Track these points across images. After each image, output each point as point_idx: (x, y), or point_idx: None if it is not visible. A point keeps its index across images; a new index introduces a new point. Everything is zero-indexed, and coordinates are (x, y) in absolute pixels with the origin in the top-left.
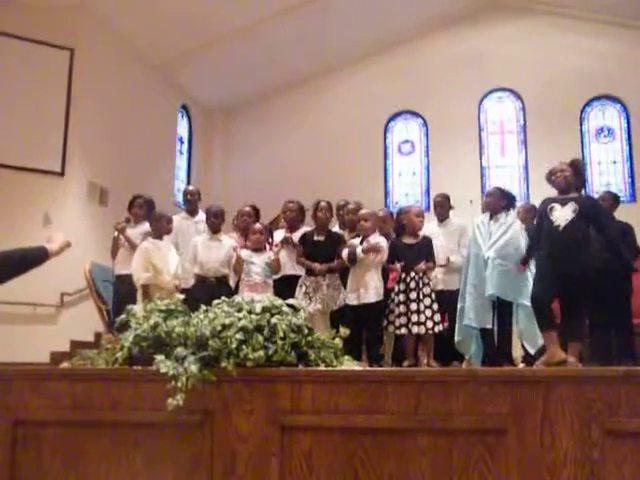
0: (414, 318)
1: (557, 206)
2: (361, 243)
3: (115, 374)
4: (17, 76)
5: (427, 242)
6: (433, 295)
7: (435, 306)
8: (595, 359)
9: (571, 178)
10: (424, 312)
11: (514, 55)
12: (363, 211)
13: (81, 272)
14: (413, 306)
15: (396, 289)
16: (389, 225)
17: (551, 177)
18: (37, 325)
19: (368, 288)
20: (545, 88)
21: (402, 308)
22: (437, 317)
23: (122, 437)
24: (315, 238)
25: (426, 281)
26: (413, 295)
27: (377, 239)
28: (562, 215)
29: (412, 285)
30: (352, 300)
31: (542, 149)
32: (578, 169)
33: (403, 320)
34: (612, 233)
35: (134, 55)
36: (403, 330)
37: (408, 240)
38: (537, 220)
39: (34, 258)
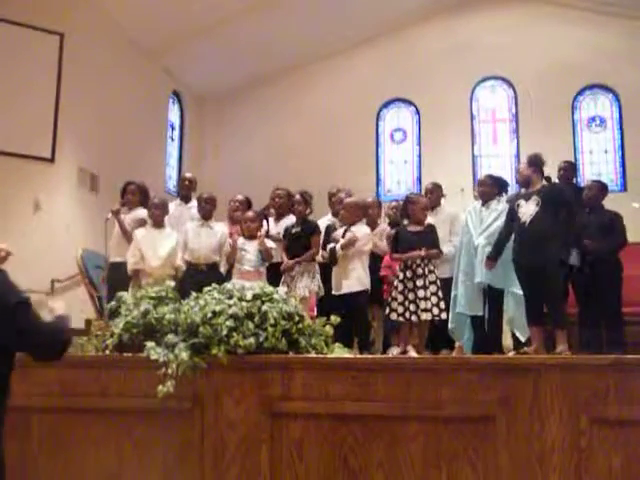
0: (422, 305)
1: (522, 202)
2: (344, 234)
3: (105, 361)
4: (6, 61)
5: (432, 230)
6: (439, 282)
7: (440, 294)
8: (585, 348)
9: (528, 173)
10: (430, 299)
11: (507, 44)
12: (345, 201)
13: (71, 259)
14: (420, 293)
15: (400, 276)
16: (376, 212)
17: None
18: None
19: (351, 278)
20: (537, 77)
21: (411, 295)
22: (442, 304)
23: (112, 424)
24: (293, 230)
25: (432, 268)
26: (420, 282)
27: (360, 229)
28: (527, 210)
29: (419, 272)
30: (336, 290)
31: (534, 138)
32: (532, 162)
33: (412, 307)
34: (574, 222)
35: (125, 40)
36: (413, 318)
37: (413, 228)
38: (506, 217)
39: None
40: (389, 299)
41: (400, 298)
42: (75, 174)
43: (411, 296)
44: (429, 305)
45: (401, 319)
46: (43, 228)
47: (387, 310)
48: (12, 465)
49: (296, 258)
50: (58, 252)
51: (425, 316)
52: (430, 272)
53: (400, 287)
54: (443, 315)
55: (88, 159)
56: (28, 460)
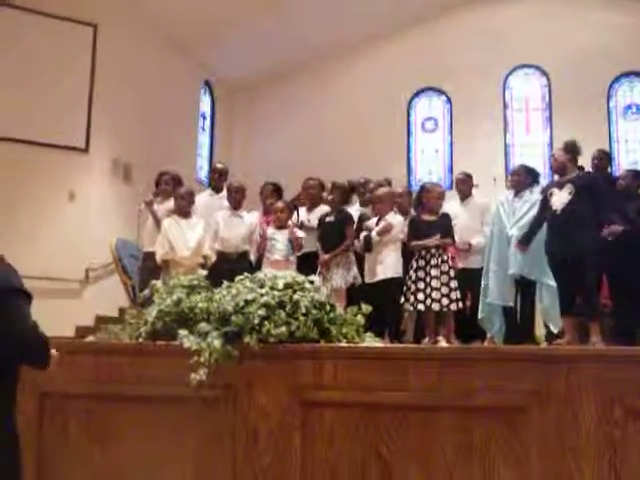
0: (434, 295)
1: (555, 190)
2: (377, 223)
3: (139, 348)
4: (40, 52)
5: (446, 219)
6: (452, 272)
7: (453, 284)
8: (619, 339)
9: (563, 159)
10: (440, 289)
11: (540, 31)
12: (378, 191)
13: (105, 247)
14: (434, 282)
15: (414, 265)
16: (407, 202)
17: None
18: (62, 300)
19: (386, 264)
20: (572, 64)
21: (421, 284)
22: (454, 295)
23: (145, 411)
24: (327, 220)
25: (445, 258)
26: (433, 272)
27: (394, 217)
28: (559, 199)
29: (433, 262)
30: (370, 278)
31: (568, 127)
32: (569, 149)
33: (421, 296)
34: (605, 212)
35: (157, 31)
36: (420, 306)
37: (427, 217)
38: (540, 206)
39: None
40: (404, 288)
41: (413, 288)
42: (109, 164)
43: (421, 285)
44: (438, 295)
45: (411, 308)
46: (77, 218)
47: (402, 299)
48: (49, 451)
49: (331, 251)
50: (92, 241)
51: (433, 306)
52: (443, 262)
53: (413, 276)
54: (452, 306)
55: (122, 149)
56: (65, 444)
